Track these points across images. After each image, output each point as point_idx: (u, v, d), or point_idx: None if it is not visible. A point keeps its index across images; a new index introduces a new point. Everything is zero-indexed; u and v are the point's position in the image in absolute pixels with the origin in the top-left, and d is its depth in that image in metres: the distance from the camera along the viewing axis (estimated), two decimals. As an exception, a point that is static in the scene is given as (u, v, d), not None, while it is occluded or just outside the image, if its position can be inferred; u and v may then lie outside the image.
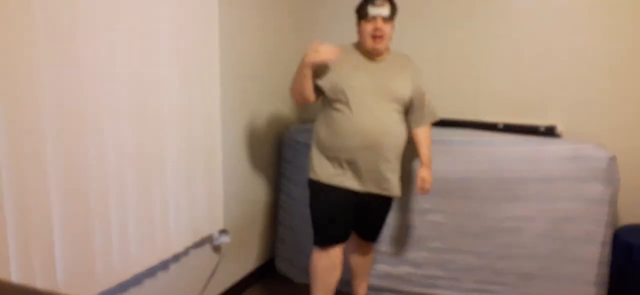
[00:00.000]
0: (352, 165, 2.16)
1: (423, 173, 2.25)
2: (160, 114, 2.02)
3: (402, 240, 2.61)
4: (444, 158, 2.49)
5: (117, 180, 1.85)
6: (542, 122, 2.62)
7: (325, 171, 2.19)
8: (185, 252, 2.32)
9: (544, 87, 2.64)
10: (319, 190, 2.22)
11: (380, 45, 2.13)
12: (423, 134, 2.30)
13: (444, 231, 2.53)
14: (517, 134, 2.58)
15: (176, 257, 2.26)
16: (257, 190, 2.89)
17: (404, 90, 2.17)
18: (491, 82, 2.76)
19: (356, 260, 2.49)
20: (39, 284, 1.59)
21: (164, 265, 2.20)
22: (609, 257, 2.35)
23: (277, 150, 3.00)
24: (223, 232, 2.53)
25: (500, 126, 2.69)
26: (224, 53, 2.39)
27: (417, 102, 2.24)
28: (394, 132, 2.16)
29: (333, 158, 2.18)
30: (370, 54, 2.17)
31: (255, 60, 2.70)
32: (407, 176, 2.46)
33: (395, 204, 2.59)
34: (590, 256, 2.32)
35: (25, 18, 1.48)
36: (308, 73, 2.11)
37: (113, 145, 1.81)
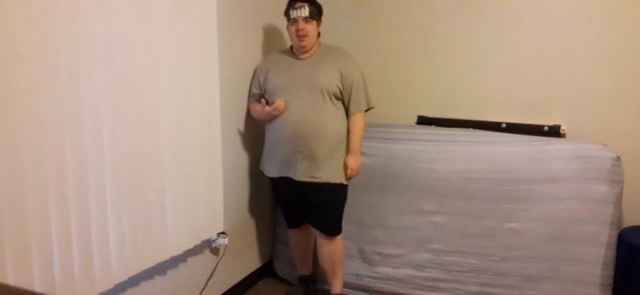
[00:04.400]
0: (284, 156, 2.42)
1: (347, 160, 2.44)
2: (159, 116, 2.04)
3: (402, 241, 2.63)
4: (447, 158, 2.52)
5: (115, 183, 1.87)
6: (546, 121, 2.65)
7: (267, 165, 2.53)
8: (184, 254, 2.34)
9: (548, 86, 2.66)
10: (270, 182, 2.62)
11: (304, 43, 2.40)
12: (352, 122, 2.46)
13: (446, 232, 2.55)
14: (520, 134, 2.59)
15: (174, 260, 2.28)
16: (256, 192, 2.91)
17: (330, 81, 2.38)
18: (495, 81, 2.79)
19: (320, 253, 2.61)
20: (37, 286, 1.61)
21: (162, 268, 2.22)
22: (613, 258, 2.36)
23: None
24: (221, 234, 2.55)
25: (504, 126, 2.71)
26: (224, 54, 2.42)
27: (347, 92, 2.43)
28: (319, 121, 2.36)
29: (271, 151, 2.49)
30: (299, 52, 2.46)
31: (255, 62, 2.72)
32: (407, 176, 2.48)
33: (396, 205, 2.62)
34: (595, 258, 2.33)
35: (23, 17, 1.50)
36: (269, 119, 2.46)
37: (111, 147, 1.83)
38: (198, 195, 2.32)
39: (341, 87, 2.41)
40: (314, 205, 2.49)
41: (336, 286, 2.61)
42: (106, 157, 1.82)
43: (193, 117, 2.24)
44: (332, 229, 2.52)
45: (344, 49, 2.53)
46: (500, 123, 2.72)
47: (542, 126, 2.64)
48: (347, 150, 2.46)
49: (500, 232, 2.46)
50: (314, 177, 2.39)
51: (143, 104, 1.95)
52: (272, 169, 2.51)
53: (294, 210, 2.62)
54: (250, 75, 2.70)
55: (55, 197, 1.65)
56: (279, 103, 2.36)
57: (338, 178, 2.43)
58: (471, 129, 2.73)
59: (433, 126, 2.87)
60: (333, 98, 2.40)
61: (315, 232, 2.56)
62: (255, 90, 2.58)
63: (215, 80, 2.37)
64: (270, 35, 2.90)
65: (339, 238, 2.56)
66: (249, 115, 2.71)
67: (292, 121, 2.37)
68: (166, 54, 2.04)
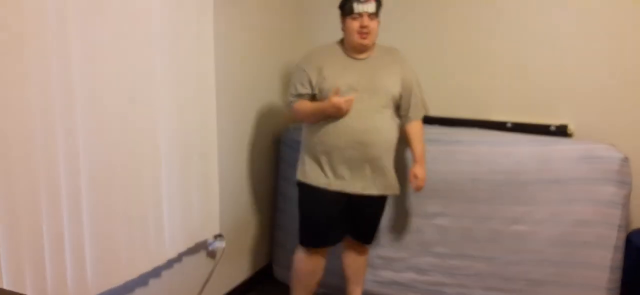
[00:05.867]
0: (343, 167, 2.21)
1: (416, 170, 2.29)
2: (154, 115, 2.02)
3: (406, 245, 2.61)
4: (451, 159, 2.50)
5: (109, 184, 1.85)
6: (553, 121, 2.64)
7: (314, 173, 2.25)
8: (179, 257, 2.32)
9: (555, 84, 2.65)
10: (308, 193, 2.29)
11: (367, 41, 2.18)
12: (414, 129, 2.34)
13: (450, 235, 2.53)
14: (526, 134, 2.59)
15: (170, 263, 2.26)
16: (253, 192, 2.89)
17: (393, 86, 2.23)
18: (500, 79, 2.78)
19: (350, 263, 2.51)
20: (29, 291, 1.59)
21: (157, 272, 2.20)
22: (621, 262, 2.35)
23: (275, 151, 3.00)
24: (218, 236, 2.53)
25: (509, 125, 2.71)
26: (219, 52, 2.39)
27: (406, 97, 2.29)
28: (383, 129, 2.21)
29: (323, 160, 2.23)
30: (357, 51, 2.23)
31: (251, 59, 2.71)
32: (407, 177, 2.47)
33: (398, 207, 2.60)
34: (602, 261, 2.32)
35: (15, 17, 1.48)
36: (323, 117, 2.20)
37: (104, 147, 1.81)
38: (193, 196, 2.30)
39: (401, 93, 2.27)
40: (366, 219, 2.38)
41: (359, 293, 2.57)
42: (100, 157, 1.80)
43: (189, 116, 2.21)
44: (373, 239, 2.48)
45: (398, 49, 2.37)
46: (505, 122, 2.72)
47: (548, 125, 2.63)
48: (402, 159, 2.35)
49: (506, 235, 2.45)
50: (376, 189, 2.25)
51: (138, 103, 1.93)
52: (324, 179, 2.24)
53: (332, 227, 2.33)
54: (250, 74, 2.68)
55: (47, 200, 1.63)
56: (351, 97, 2.12)
57: (398, 188, 2.34)
58: (476, 129, 2.72)
59: (437, 126, 2.86)
60: (393, 104, 2.26)
61: (351, 243, 2.46)
62: (304, 90, 2.26)
63: (211, 77, 2.34)
64: (268, 34, 2.87)
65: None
66: (246, 113, 2.68)
67: (355, 128, 2.16)
68: (161, 54, 2.02)
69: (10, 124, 1.50)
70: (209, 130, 2.38)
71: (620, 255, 2.34)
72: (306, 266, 2.39)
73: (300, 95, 2.27)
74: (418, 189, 2.30)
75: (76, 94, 1.69)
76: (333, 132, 2.18)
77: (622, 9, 2.51)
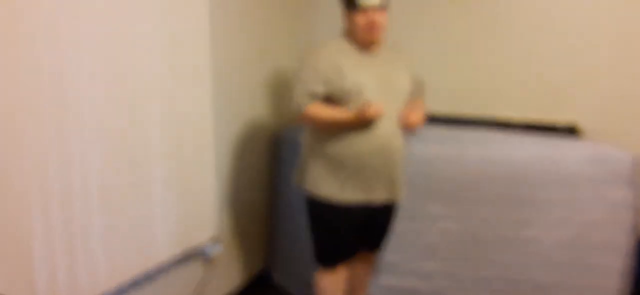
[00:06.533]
0: (361, 174, 2.05)
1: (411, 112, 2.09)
2: (148, 116, 2.00)
3: (408, 249, 2.57)
4: (456, 160, 2.46)
5: (101, 185, 1.83)
6: (561, 118, 2.62)
7: (329, 186, 2.08)
8: (174, 261, 2.28)
9: (564, 81, 2.65)
10: (323, 208, 2.13)
11: (377, 36, 2.05)
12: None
13: (455, 239, 2.49)
14: (534, 133, 2.57)
15: (164, 267, 2.23)
16: (251, 194, 2.86)
17: (406, 83, 2.14)
18: (507, 75, 2.77)
19: (357, 270, 2.42)
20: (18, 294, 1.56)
21: (150, 276, 2.17)
22: (631, 267, 2.33)
23: (273, 152, 2.98)
24: (214, 240, 2.49)
25: (516, 124, 2.69)
26: (215, 50, 2.37)
27: (416, 94, 2.21)
28: (401, 132, 2.11)
29: (338, 169, 2.06)
30: (365, 46, 2.08)
31: (248, 57, 2.70)
32: (412, 179, 2.43)
33: (401, 210, 2.56)
34: (612, 266, 2.30)
35: (7, 16, 1.47)
36: (346, 126, 2.02)
37: (96, 148, 1.79)
38: (189, 199, 2.28)
39: (412, 90, 2.18)
40: (382, 225, 2.29)
41: None
42: (92, 158, 1.78)
43: (183, 116, 2.19)
44: (384, 244, 2.39)
45: (398, 44, 2.29)
46: (512, 120, 2.70)
47: (556, 125, 2.61)
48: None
49: (512, 239, 2.41)
50: (393, 195, 2.15)
51: (131, 103, 1.92)
52: (353, 193, 2.08)
53: (352, 239, 2.23)
54: (250, 73, 2.65)
55: (38, 202, 1.61)
56: (380, 105, 1.94)
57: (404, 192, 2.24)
58: (482, 130, 2.71)
59: (442, 126, 2.84)
60: (404, 104, 2.12)
61: (360, 254, 2.35)
62: (318, 88, 2.02)
63: (207, 76, 2.31)
64: (265, 33, 2.85)
65: None
66: (243, 112, 2.64)
67: (380, 133, 2.00)
68: (156, 52, 2.01)
69: (1, 124, 1.48)
70: (205, 130, 2.35)
71: (630, 260, 2.32)
72: (332, 283, 2.25)
73: (314, 96, 2.03)
74: (409, 125, 2.06)
75: (68, 96, 1.67)
76: (355, 137, 2.01)
77: (631, 3, 2.49)
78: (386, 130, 2.02)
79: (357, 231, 2.21)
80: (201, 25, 2.25)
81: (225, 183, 2.59)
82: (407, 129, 2.07)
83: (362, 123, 1.97)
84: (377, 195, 2.11)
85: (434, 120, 2.93)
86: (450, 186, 2.48)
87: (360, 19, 2.00)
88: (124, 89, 1.88)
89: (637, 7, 2.48)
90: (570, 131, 2.58)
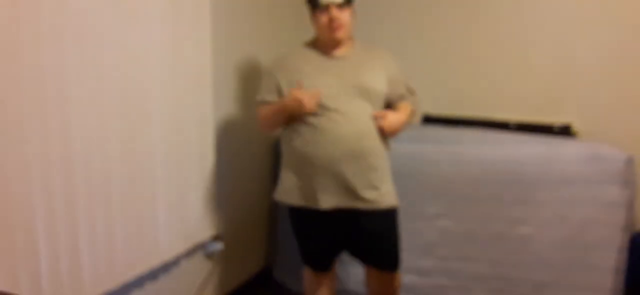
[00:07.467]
0: (331, 181, 1.99)
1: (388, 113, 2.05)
2: (149, 114, 2.01)
3: (406, 247, 2.56)
4: (453, 160, 2.49)
5: (103, 184, 1.84)
6: (556, 120, 2.63)
7: (296, 192, 2.06)
8: (176, 260, 2.30)
9: (558, 83, 2.65)
10: (295, 214, 2.15)
11: (340, 35, 1.98)
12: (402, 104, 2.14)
13: (452, 237, 2.52)
14: (529, 134, 2.58)
15: (166, 266, 2.25)
16: (252, 192, 2.87)
17: (378, 84, 2.03)
18: (502, 77, 2.77)
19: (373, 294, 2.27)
20: (24, 293, 1.58)
21: (152, 274, 2.18)
22: (625, 264, 2.34)
23: (275, 149, 2.97)
24: (216, 238, 2.51)
25: (512, 125, 2.70)
26: (217, 50, 2.38)
27: (397, 95, 2.12)
28: (374, 133, 2.00)
29: (307, 176, 2.01)
30: (330, 49, 2.04)
31: (249, 57, 2.70)
32: (411, 178, 2.46)
33: (400, 209, 2.57)
34: (606, 263, 2.31)
35: (10, 17, 1.47)
36: (285, 116, 2.02)
37: (99, 147, 1.81)
38: (191, 197, 2.29)
39: (390, 92, 2.08)
40: (372, 237, 2.11)
41: None
42: (94, 157, 1.79)
43: (185, 115, 2.20)
44: (394, 264, 2.19)
45: (382, 47, 2.21)
46: (508, 123, 2.71)
47: (552, 125, 2.63)
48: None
49: (509, 237, 2.43)
50: (373, 202, 2.02)
51: (133, 103, 1.93)
52: (301, 196, 2.05)
53: (327, 249, 2.20)
54: (249, 71, 2.66)
55: (42, 201, 1.62)
56: (317, 90, 1.93)
57: (396, 199, 2.11)
58: (479, 129, 2.71)
59: (439, 126, 2.85)
60: (379, 105, 2.05)
61: (373, 273, 2.21)
62: (270, 97, 2.07)
63: (208, 75, 2.33)
64: (266, 33, 2.86)
65: (399, 275, 2.24)
66: (244, 111, 2.66)
67: (347, 134, 1.94)
68: (157, 52, 2.01)
69: (3, 123, 1.49)
70: (206, 128, 2.36)
71: (624, 257, 2.33)
72: (311, 285, 2.29)
73: (265, 103, 2.08)
74: (380, 126, 2.01)
75: (71, 95, 1.68)
76: (321, 140, 1.95)
77: (627, 5, 2.50)
78: (356, 130, 1.96)
79: (331, 243, 2.17)
80: (203, 28, 2.27)
81: (226, 182, 2.60)
82: (381, 130, 2.02)
83: (296, 106, 1.93)
84: (324, 201, 2.00)
85: (432, 121, 2.95)
86: (448, 185, 2.50)
87: (323, 18, 1.98)
88: (127, 91, 1.89)
89: (632, 8, 2.50)
90: (566, 132, 2.59)
